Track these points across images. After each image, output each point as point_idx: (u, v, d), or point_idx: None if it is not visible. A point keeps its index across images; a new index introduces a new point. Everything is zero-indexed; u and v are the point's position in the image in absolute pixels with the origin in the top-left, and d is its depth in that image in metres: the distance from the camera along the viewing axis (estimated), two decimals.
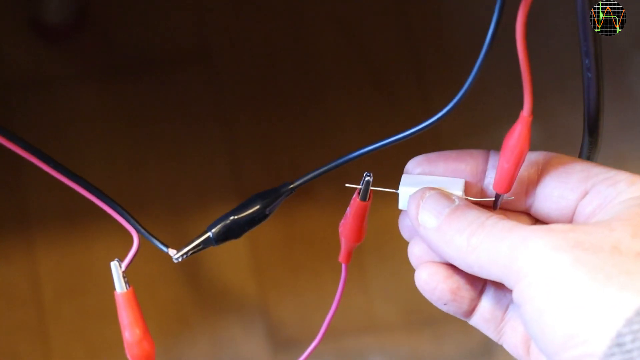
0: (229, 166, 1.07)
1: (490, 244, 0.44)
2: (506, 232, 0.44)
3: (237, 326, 1.03)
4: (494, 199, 0.49)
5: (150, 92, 1.09)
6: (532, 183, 0.49)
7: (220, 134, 1.08)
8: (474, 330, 0.98)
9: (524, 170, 0.48)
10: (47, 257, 1.03)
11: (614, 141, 1.08)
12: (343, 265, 0.54)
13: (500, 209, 0.50)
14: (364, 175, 0.50)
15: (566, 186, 0.48)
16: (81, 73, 1.09)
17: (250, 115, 1.09)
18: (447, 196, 0.48)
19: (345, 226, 0.52)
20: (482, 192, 0.50)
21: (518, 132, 0.46)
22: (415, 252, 0.50)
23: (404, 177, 0.50)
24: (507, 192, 0.48)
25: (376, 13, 1.13)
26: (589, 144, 0.50)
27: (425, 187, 0.49)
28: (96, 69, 1.09)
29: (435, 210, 0.47)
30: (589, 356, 0.40)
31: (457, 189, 0.49)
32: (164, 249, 0.50)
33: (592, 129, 0.49)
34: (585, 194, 0.47)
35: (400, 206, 0.50)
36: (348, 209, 0.51)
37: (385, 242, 1.03)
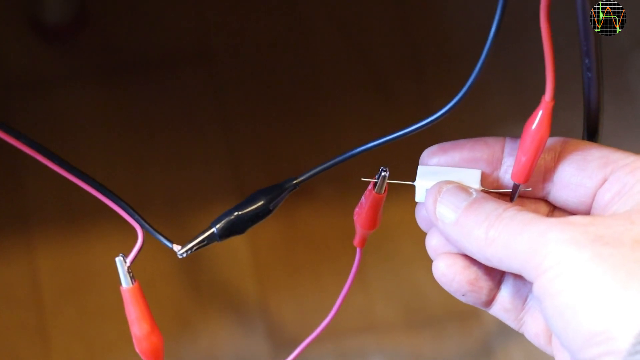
0: (229, 167, 1.07)
1: (508, 237, 0.44)
2: (524, 224, 0.43)
3: (237, 326, 1.02)
4: (511, 189, 0.48)
5: (150, 93, 1.09)
6: (549, 170, 0.48)
7: (220, 135, 1.08)
8: (474, 330, 0.98)
9: (540, 157, 0.47)
10: (47, 257, 1.03)
11: (614, 141, 1.07)
12: (358, 249, 0.54)
13: (517, 196, 0.49)
14: (380, 169, 0.49)
15: (584, 173, 0.47)
16: (81, 73, 1.09)
17: (251, 115, 1.09)
18: (464, 189, 0.47)
19: (360, 215, 0.51)
20: (499, 181, 0.49)
21: (539, 118, 0.45)
22: (433, 244, 0.50)
23: (419, 169, 0.50)
24: (526, 182, 0.47)
25: (376, 14, 1.13)
26: None
27: (442, 181, 0.48)
28: (96, 69, 1.09)
29: (452, 204, 0.47)
30: (613, 353, 0.40)
31: (474, 181, 0.48)
32: (169, 244, 0.50)
33: (592, 129, 0.49)
34: (604, 181, 0.46)
35: (417, 199, 0.50)
36: (363, 198, 0.51)
37: (385, 242, 1.03)
